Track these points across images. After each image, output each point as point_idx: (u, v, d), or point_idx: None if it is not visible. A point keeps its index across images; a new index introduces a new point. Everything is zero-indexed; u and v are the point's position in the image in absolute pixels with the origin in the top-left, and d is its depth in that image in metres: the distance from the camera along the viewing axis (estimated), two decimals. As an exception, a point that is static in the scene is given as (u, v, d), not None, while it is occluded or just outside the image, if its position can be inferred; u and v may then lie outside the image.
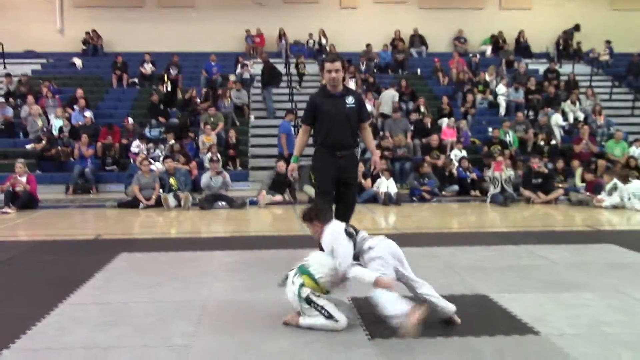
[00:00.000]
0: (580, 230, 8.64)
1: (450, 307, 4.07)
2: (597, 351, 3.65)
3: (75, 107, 15.20)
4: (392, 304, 3.78)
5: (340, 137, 5.64)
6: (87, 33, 20.39)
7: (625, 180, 10.66)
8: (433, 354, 3.60)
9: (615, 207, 10.48)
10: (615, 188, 10.69)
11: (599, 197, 10.80)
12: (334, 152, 5.65)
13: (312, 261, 4.18)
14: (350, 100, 5.69)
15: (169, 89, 16.71)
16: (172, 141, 13.54)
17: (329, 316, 4.00)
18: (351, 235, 4.13)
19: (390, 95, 16.10)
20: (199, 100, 15.88)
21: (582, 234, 8.27)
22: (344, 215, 5.80)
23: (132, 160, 13.22)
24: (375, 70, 19.06)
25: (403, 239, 7.43)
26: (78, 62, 19.42)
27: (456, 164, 12.95)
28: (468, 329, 3.91)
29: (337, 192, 5.81)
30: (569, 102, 16.45)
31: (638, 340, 3.83)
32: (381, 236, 4.22)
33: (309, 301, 4.03)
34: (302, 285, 4.07)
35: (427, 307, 3.83)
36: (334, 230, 4.19)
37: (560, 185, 11.87)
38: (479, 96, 17.15)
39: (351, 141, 5.77)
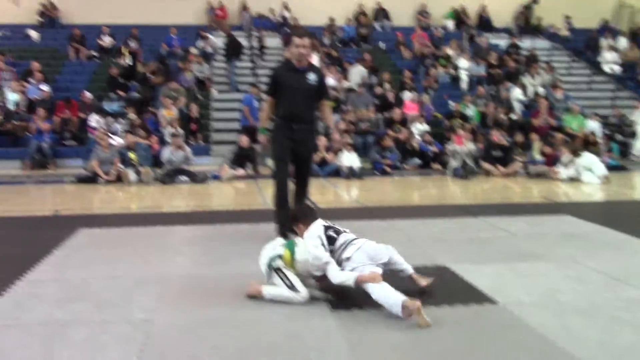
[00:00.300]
0: (537, 202, 8.83)
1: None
2: (552, 319, 3.75)
3: (32, 80, 14.78)
4: (386, 296, 3.78)
5: (299, 111, 5.72)
6: (43, 4, 19.78)
7: (576, 154, 10.90)
8: (393, 325, 3.65)
9: (571, 180, 10.71)
10: (571, 161, 10.92)
11: (555, 169, 11.02)
12: (291, 125, 5.72)
13: (301, 243, 4.20)
14: (312, 76, 5.77)
15: (129, 62, 16.36)
16: (133, 115, 13.31)
17: (291, 286, 4.03)
18: (332, 239, 4.22)
19: (358, 71, 16.09)
20: (151, 75, 15.54)
21: (539, 205, 8.45)
22: (301, 190, 5.96)
23: (90, 135, 12.97)
24: (338, 44, 18.98)
25: (365, 212, 7.52)
26: (34, 34, 18.82)
27: (418, 137, 13.05)
28: (428, 299, 3.97)
29: (295, 166, 5.94)
30: (528, 76, 16.66)
31: (591, 308, 3.95)
32: (360, 242, 4.23)
33: (277, 270, 4.10)
34: (279, 256, 4.11)
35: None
36: (310, 233, 4.27)
37: (519, 159, 12.08)
38: (441, 70, 17.23)
39: (309, 116, 5.85)
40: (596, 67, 18.73)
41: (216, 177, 10.95)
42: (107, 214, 7.79)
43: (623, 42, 19.46)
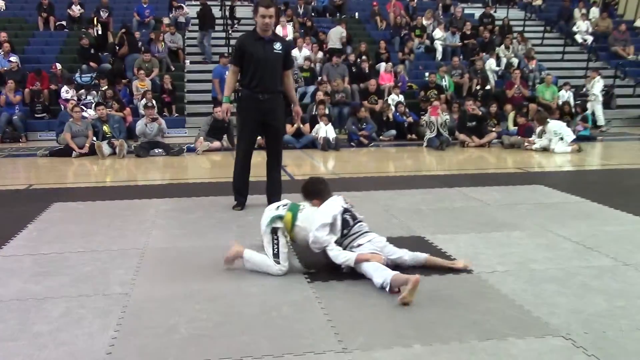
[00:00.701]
0: (511, 172, 8.93)
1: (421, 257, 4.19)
2: (525, 287, 3.83)
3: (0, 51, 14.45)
4: (376, 272, 3.79)
5: (265, 81, 5.69)
6: (9, -28, 19.22)
7: (543, 122, 11.01)
8: (370, 294, 3.70)
9: (545, 150, 10.83)
10: (543, 130, 11.04)
11: (529, 139, 11.14)
12: (257, 95, 5.71)
13: (305, 210, 4.16)
14: (277, 46, 5.75)
15: (100, 32, 16.01)
16: (105, 87, 13.10)
17: (276, 254, 4.04)
18: (347, 223, 4.12)
19: (337, 32, 16.06)
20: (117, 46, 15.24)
21: (513, 175, 8.56)
22: (273, 162, 6.00)
23: (62, 107, 12.75)
24: (313, 14, 18.81)
25: (342, 184, 7.55)
26: (0, 3, 18.35)
27: (393, 108, 13.07)
28: (404, 269, 4.01)
29: (265, 138, 6.04)
30: (502, 46, 16.72)
31: (562, 275, 4.04)
32: (372, 235, 4.16)
33: (274, 231, 4.08)
34: (280, 217, 4.09)
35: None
36: (325, 210, 4.13)
37: (493, 129, 12.17)
38: (416, 41, 17.20)
39: (276, 86, 5.80)
40: (569, 37, 18.84)
41: (191, 150, 10.87)
42: (82, 188, 7.71)
43: (595, 12, 19.58)
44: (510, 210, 6.01)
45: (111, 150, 10.49)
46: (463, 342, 3.05)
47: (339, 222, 4.08)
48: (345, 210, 4.19)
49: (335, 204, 4.18)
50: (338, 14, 19.32)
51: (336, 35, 16.05)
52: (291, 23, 16.65)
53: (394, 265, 4.03)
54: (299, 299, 3.66)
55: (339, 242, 4.07)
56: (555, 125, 10.90)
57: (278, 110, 5.92)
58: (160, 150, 10.66)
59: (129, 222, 5.60)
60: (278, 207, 4.19)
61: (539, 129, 11.10)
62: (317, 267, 4.18)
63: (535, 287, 3.82)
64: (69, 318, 3.39)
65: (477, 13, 19.59)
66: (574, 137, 10.81)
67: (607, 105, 15.26)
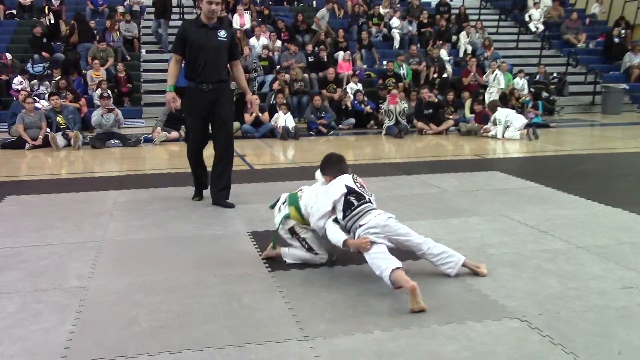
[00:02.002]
0: (468, 159, 9.07)
1: (458, 259, 3.84)
2: (482, 271, 3.90)
3: (-54, 40, 13.99)
4: (378, 262, 3.57)
5: (209, 71, 5.44)
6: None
7: (494, 109, 11.21)
8: (331, 282, 3.73)
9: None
10: (495, 117, 11.21)
11: (485, 127, 11.31)
12: (202, 86, 5.47)
13: (305, 194, 4.09)
14: (222, 33, 5.51)
15: (52, 21, 15.60)
16: (58, 77, 12.79)
17: (309, 249, 4.02)
18: (350, 204, 3.81)
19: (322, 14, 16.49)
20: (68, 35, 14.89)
21: (470, 162, 8.69)
22: (221, 156, 5.68)
23: (14, 98, 12.41)
24: (270, 2, 18.68)
25: (302, 173, 7.55)
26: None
27: (352, 97, 13.10)
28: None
29: (212, 130, 5.72)
30: (461, 34, 16.91)
31: (517, 259, 4.14)
32: (377, 212, 3.83)
33: (292, 232, 4.04)
34: (287, 216, 4.04)
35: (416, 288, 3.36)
36: (328, 187, 3.96)
37: (450, 117, 12.32)
38: (373, 29, 17.25)
39: (221, 75, 5.56)
40: (524, 26, 19.16)
41: (148, 140, 10.72)
42: (36, 180, 7.54)
43: (548, 1, 19.94)
44: (467, 197, 6.11)
45: (66, 142, 10.27)
46: (423, 327, 3.10)
47: (339, 206, 3.83)
48: (350, 192, 3.86)
49: (337, 188, 3.89)
50: (295, 2, 19.25)
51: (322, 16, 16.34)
52: (248, 11, 16.51)
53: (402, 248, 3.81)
54: (259, 288, 3.66)
55: (343, 224, 3.84)
56: (502, 113, 11.09)
57: (224, 100, 5.66)
58: (116, 141, 10.49)
59: (85, 215, 5.51)
60: (279, 208, 4.12)
61: (493, 116, 11.28)
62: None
63: (492, 271, 3.90)
64: (25, 313, 3.32)
65: (434, 2, 19.73)
66: (525, 122, 11.00)
67: (559, 92, 15.61)
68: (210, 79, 5.47)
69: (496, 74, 14.00)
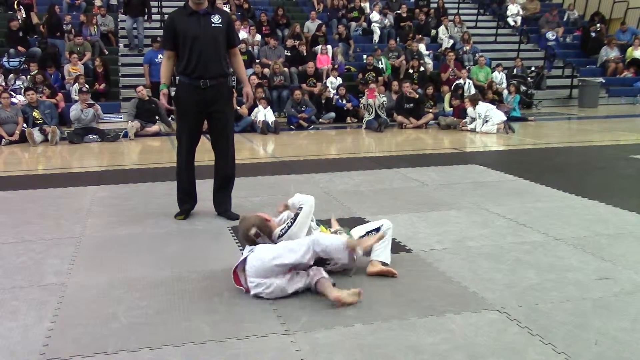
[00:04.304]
0: (448, 153, 9.11)
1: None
2: (462, 264, 3.94)
3: None
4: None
5: (205, 64, 4.74)
6: None
7: (474, 103, 11.28)
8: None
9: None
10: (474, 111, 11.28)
11: (464, 120, 11.38)
12: (198, 83, 4.77)
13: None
14: (216, 19, 4.80)
15: (24, 15, 15.34)
16: (35, 71, 12.62)
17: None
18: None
19: None
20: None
21: (449, 156, 8.74)
22: (223, 166, 5.10)
23: (-11, 93, 12.23)
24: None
25: (282, 167, 7.55)
26: None
27: (332, 91, 13.10)
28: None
29: (210, 134, 5.09)
30: (440, 28, 16.97)
31: (496, 252, 4.17)
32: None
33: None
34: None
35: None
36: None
37: (430, 110, 12.37)
38: (353, 24, 17.25)
39: (220, 68, 4.84)
40: (502, 20, 19.28)
41: (127, 136, 10.63)
42: (13, 176, 7.44)
43: (524, -5, 20.10)
44: (447, 190, 6.15)
45: (43, 137, 10.15)
46: (403, 320, 3.12)
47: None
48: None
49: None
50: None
51: None
52: (227, 5, 16.41)
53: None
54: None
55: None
56: (483, 107, 11.17)
57: (224, 99, 4.95)
58: (95, 136, 10.39)
59: (63, 211, 5.45)
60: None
61: (470, 111, 11.35)
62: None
63: (472, 263, 3.94)
64: (2, 310, 3.28)
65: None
66: (504, 118, 11.08)
67: (537, 86, 15.76)
68: (209, 74, 4.77)
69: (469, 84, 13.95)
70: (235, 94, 5.63)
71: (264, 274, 3.36)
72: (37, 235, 4.70)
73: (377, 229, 3.88)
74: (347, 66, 15.34)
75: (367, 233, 3.90)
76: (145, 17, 15.68)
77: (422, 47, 15.84)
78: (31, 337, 2.96)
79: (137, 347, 2.85)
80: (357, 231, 3.94)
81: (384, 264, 3.76)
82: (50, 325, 3.10)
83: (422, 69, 14.88)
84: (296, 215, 3.72)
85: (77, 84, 12.16)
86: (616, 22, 19.47)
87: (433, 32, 17.25)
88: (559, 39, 18.14)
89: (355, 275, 3.70)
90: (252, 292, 3.39)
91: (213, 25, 4.77)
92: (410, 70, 14.69)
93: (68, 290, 3.56)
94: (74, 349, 2.85)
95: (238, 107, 11.07)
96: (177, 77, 4.96)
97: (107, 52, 14.96)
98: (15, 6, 15.44)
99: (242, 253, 3.63)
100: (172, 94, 5.04)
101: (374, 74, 14.09)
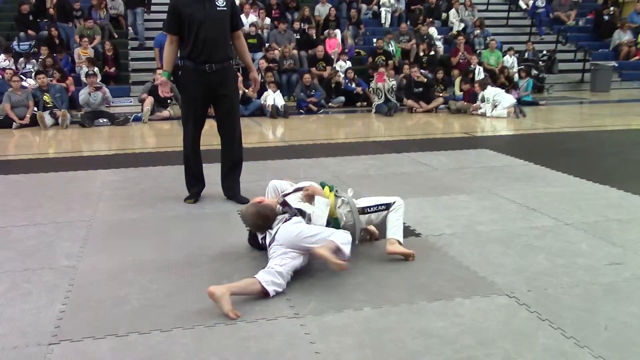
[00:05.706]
0: (458, 137, 9.08)
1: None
2: (471, 248, 3.93)
3: None
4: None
5: (210, 48, 4.70)
6: None
7: (483, 87, 11.22)
8: (320, 261, 3.73)
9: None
10: (484, 95, 11.22)
11: (474, 105, 11.32)
12: (203, 67, 4.73)
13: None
14: (221, 2, 4.73)
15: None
16: (45, 55, 12.64)
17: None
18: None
19: None
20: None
21: (459, 140, 8.70)
22: (230, 152, 5.10)
23: (0, 77, 12.28)
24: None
25: (292, 151, 7.54)
26: None
27: (342, 75, 13.05)
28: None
29: (215, 115, 5.03)
30: (450, 12, 16.82)
31: (506, 236, 4.16)
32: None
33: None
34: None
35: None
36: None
37: (440, 95, 12.31)
38: (363, 6, 17.13)
39: (225, 52, 4.82)
40: (513, 2, 19.07)
41: (138, 119, 10.65)
42: (24, 160, 7.49)
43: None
44: (457, 174, 6.12)
45: (54, 121, 10.19)
46: (412, 304, 3.12)
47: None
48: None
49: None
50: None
51: None
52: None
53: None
54: (250, 267, 3.65)
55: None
56: (491, 91, 11.09)
57: (230, 81, 4.95)
58: (105, 119, 10.41)
59: (74, 194, 5.48)
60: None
61: (481, 94, 11.29)
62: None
63: (481, 248, 3.93)
64: (15, 293, 3.31)
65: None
66: (514, 102, 11.01)
67: (549, 70, 15.62)
68: (215, 58, 4.73)
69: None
70: (241, 77, 5.53)
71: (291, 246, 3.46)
72: (48, 218, 4.73)
73: (388, 205, 3.86)
74: (357, 50, 15.25)
75: (376, 206, 3.87)
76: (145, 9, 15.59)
77: (432, 31, 15.71)
78: (43, 319, 2.99)
79: (148, 330, 2.87)
80: (365, 201, 3.92)
81: (400, 243, 3.76)
82: (61, 307, 3.13)
83: (432, 52, 14.77)
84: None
85: (86, 67, 12.16)
86: (630, 5, 19.22)
87: (444, 15, 17.10)
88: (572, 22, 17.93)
89: (364, 258, 3.70)
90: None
91: (218, 8, 4.73)
92: (421, 54, 14.59)
93: (79, 273, 3.59)
94: (85, 331, 2.87)
95: (245, 90, 11.04)
96: (181, 62, 4.90)
97: (116, 36, 14.95)
98: None
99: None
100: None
101: (383, 58, 14.01)
